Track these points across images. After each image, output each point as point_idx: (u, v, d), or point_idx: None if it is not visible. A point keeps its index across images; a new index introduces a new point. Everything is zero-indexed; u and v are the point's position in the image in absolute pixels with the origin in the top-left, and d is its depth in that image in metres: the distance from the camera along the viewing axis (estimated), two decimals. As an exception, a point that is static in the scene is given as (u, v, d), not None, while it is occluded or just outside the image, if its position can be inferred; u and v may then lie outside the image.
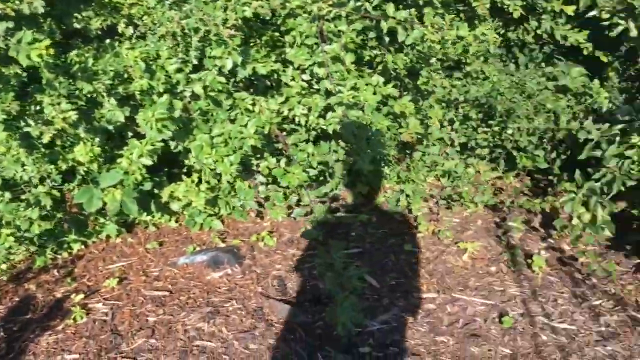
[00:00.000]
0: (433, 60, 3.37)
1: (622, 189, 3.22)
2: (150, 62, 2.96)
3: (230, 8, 2.70)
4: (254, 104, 3.04)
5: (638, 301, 3.19)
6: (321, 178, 3.83)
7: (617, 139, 3.21)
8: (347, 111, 2.82)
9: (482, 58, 3.75)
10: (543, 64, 3.95)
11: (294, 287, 3.18)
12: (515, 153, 3.85)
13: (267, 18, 3.06)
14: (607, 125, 3.25)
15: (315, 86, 3.21)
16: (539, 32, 3.83)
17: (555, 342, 2.88)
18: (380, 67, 3.57)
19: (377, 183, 3.97)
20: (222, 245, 3.45)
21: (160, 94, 2.94)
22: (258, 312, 2.95)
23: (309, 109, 3.04)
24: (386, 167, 3.93)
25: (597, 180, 3.27)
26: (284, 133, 3.22)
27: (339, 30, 2.90)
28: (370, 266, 3.40)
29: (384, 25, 2.87)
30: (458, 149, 4.12)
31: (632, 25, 3.29)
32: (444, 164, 3.89)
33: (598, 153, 3.29)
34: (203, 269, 3.24)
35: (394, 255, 3.50)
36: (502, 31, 3.96)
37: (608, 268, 3.30)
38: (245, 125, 2.83)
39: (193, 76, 2.97)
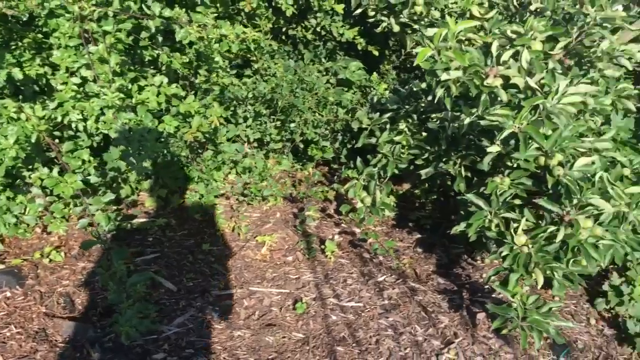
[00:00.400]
0: (217, 58, 3.38)
1: (396, 171, 3.51)
2: None
3: (-26, 9, 2.47)
4: (18, 112, 2.81)
5: (416, 272, 3.51)
6: (115, 184, 3.69)
7: (388, 126, 3.49)
8: (118, 114, 2.73)
9: (267, 55, 3.85)
10: (324, 60, 4.16)
11: (83, 302, 3.02)
12: (303, 145, 4.02)
13: (25, 19, 2.84)
14: (377, 114, 3.52)
15: (96, 90, 3.06)
16: (318, 29, 4.02)
17: (344, 321, 3.06)
18: (164, 68, 3.51)
19: (176, 185, 3.91)
20: (1, 267, 3.17)
21: None
22: (40, 334, 2.75)
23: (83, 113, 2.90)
24: (185, 168, 3.88)
25: (374, 166, 3.52)
26: (57, 140, 3.03)
27: (104, 31, 2.79)
28: (167, 270, 3.34)
29: (151, 24, 2.82)
30: (255, 144, 4.21)
31: (393, 21, 3.59)
32: (243, 160, 3.94)
33: (373, 140, 3.55)
34: (-23, 295, 2.96)
35: (192, 256, 3.47)
36: (285, 29, 4.10)
37: (387, 246, 3.57)
38: (6, 136, 2.61)
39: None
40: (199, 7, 3.18)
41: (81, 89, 2.87)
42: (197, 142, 3.70)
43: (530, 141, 2.60)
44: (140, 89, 3.18)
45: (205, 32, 2.76)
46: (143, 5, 3.10)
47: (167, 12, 2.84)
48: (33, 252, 3.31)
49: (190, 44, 3.23)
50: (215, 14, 3.39)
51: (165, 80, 3.28)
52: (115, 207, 3.81)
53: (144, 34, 3.02)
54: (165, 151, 3.72)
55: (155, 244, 3.55)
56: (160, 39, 3.11)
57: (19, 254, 3.30)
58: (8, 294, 2.99)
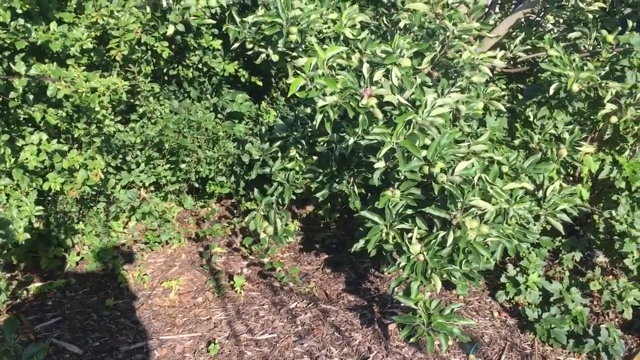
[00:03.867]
0: (97, 108, 3.30)
1: (294, 197, 3.56)
2: None
3: None
4: None
5: (327, 293, 3.56)
6: (5, 251, 3.50)
7: (279, 154, 3.53)
8: (-9, 181, 2.60)
9: (151, 98, 3.80)
10: (209, 96, 4.17)
11: (-21, 382, 2.82)
12: (198, 184, 4.00)
13: None
14: (267, 144, 3.56)
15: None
16: (200, 66, 4.02)
17: (259, 355, 3.05)
18: (42, 124, 3.38)
19: (72, 242, 3.76)
20: None
21: None
22: None
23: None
24: (80, 224, 3.74)
25: (272, 195, 3.55)
26: None
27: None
28: (71, 333, 3.20)
29: (18, 84, 2.72)
30: (152, 188, 4.13)
31: (271, 52, 3.65)
32: (141, 206, 3.85)
33: (267, 170, 3.58)
34: None
35: (96, 314, 3.34)
36: (166, 69, 4.07)
37: (292, 272, 3.61)
38: None
39: None
40: (69, 59, 3.11)
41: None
42: (88, 196, 3.58)
43: (409, 154, 2.72)
44: (19, 149, 3.05)
45: (75, 86, 2.70)
46: (10, 64, 2.99)
47: (33, 71, 2.75)
48: None
49: (67, 97, 3.14)
50: (89, 63, 3.33)
51: (45, 137, 3.16)
52: (8, 274, 3.60)
53: (12, 94, 2.91)
54: (55, 209, 3.59)
55: (56, 307, 3.39)
56: (31, 97, 3.00)
57: None
58: None
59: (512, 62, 4.22)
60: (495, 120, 3.63)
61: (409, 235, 2.88)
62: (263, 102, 4.30)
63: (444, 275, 2.85)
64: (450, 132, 2.90)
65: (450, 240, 2.73)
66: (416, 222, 2.95)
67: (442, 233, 2.80)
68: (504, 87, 4.27)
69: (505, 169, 3.28)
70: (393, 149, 2.68)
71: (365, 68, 2.85)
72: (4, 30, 2.90)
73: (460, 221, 2.75)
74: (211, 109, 4.03)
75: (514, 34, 4.43)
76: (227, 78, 4.37)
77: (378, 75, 2.89)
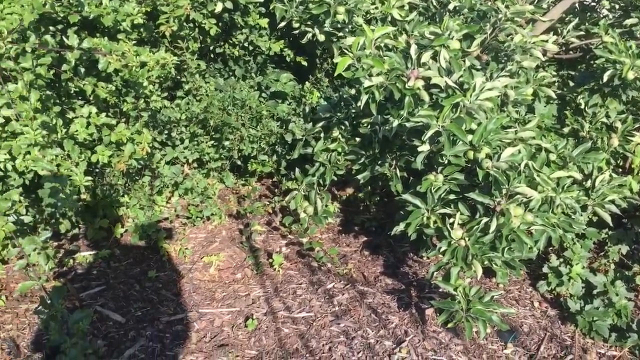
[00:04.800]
0: (145, 83, 3.36)
1: (335, 178, 3.56)
2: None
3: None
4: (-60, 158, 2.73)
5: (365, 275, 3.56)
6: (53, 220, 3.61)
7: (322, 135, 3.53)
8: (43, 151, 2.68)
9: (197, 75, 3.84)
10: (254, 74, 4.18)
11: (28, 345, 2.94)
12: (241, 162, 4.03)
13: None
14: (310, 124, 3.56)
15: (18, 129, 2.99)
16: (246, 44, 4.04)
17: (296, 332, 3.08)
18: (92, 98, 3.46)
19: (117, 214, 3.85)
20: (-62, 319, 3.06)
21: None
22: (-16, 384, 2.68)
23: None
24: (125, 197, 3.83)
25: (313, 175, 3.56)
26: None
27: (23, 68, 2.74)
28: (114, 301, 3.29)
29: (70, 57, 2.79)
30: (195, 165, 4.19)
31: (317, 31, 3.64)
32: (184, 182, 3.91)
33: (309, 150, 3.59)
34: None
35: (138, 284, 3.43)
36: (212, 47, 4.10)
37: (330, 253, 3.61)
38: None
39: None
40: (120, 34, 3.16)
41: (6, 128, 2.80)
42: (134, 169, 3.65)
43: (454, 138, 2.68)
44: (69, 121, 3.13)
45: (125, 60, 2.74)
46: (63, 37, 3.06)
47: (85, 44, 2.81)
48: (-28, 299, 3.21)
49: (116, 71, 3.19)
50: (138, 39, 3.37)
51: (94, 110, 3.23)
52: (56, 243, 3.72)
53: (65, 67, 2.97)
54: (102, 181, 3.68)
55: (100, 276, 3.49)
56: (82, 70, 3.06)
57: (-43, 303, 3.20)
58: (-53, 345, 2.89)
59: (564, 48, 4.10)
60: (545, 107, 3.54)
61: (451, 220, 2.85)
62: (307, 82, 4.29)
63: (485, 262, 2.82)
64: (498, 118, 2.85)
65: (493, 226, 2.69)
66: (459, 208, 2.91)
67: (485, 219, 2.76)
68: (554, 73, 4.16)
69: (553, 157, 3.20)
70: (438, 132, 2.64)
71: (413, 49, 2.81)
72: (58, 4, 2.96)
73: (505, 208, 2.70)
74: (255, 88, 4.04)
75: (567, 18, 4.30)
76: (272, 57, 4.37)
77: (426, 57, 2.85)
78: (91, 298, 3.31)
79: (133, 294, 3.35)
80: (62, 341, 2.51)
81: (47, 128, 2.74)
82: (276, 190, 4.45)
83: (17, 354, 2.88)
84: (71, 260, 3.58)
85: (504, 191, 2.72)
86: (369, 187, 4.23)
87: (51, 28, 3.16)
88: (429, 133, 2.59)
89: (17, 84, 2.73)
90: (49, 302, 2.59)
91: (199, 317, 3.20)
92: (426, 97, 2.73)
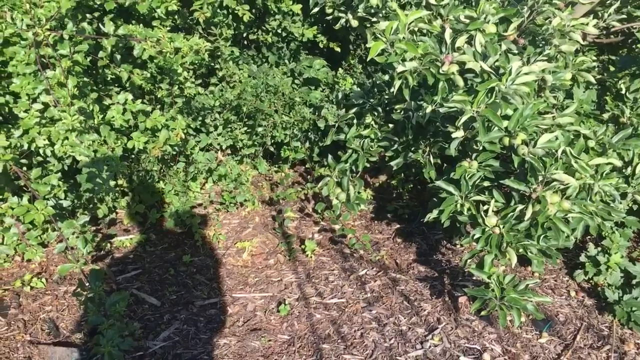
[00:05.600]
0: (180, 70, 3.39)
1: (368, 165, 3.54)
2: None
3: None
4: (-18, 144, 2.81)
5: (397, 262, 3.55)
6: (91, 205, 3.69)
7: (354, 121, 3.51)
8: (80, 136, 2.73)
9: (231, 62, 3.86)
10: (287, 61, 4.18)
11: (67, 326, 3.02)
12: (274, 148, 4.04)
13: (-22, 50, 2.83)
14: (343, 110, 3.54)
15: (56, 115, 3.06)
16: (279, 31, 4.04)
17: (328, 318, 3.09)
18: (128, 84, 3.51)
19: (153, 200, 3.91)
20: (-17, 299, 3.17)
21: None
22: (26, 362, 2.76)
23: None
24: (160, 182, 3.89)
25: (345, 162, 3.55)
26: (25, 168, 3.03)
27: (61, 55, 2.79)
28: (150, 285, 3.35)
29: (106, 43, 2.83)
30: (229, 151, 4.23)
31: (351, 17, 3.61)
32: (218, 168, 3.95)
33: (342, 136, 3.58)
34: (-41, 330, 2.96)
35: (173, 269, 3.48)
36: (246, 34, 4.11)
37: (363, 240, 3.60)
38: (-30, 169, 2.61)
39: None
40: (155, 21, 3.19)
41: (44, 114, 2.87)
42: (168, 156, 3.70)
43: (489, 123, 2.64)
44: (106, 108, 3.19)
45: (160, 46, 2.77)
46: (100, 25, 3.11)
47: (121, 31, 2.85)
48: (14, 281, 3.30)
49: (151, 58, 3.24)
50: (173, 26, 3.40)
51: (130, 97, 3.28)
52: (94, 228, 3.81)
53: (101, 54, 3.02)
54: (138, 167, 3.74)
55: (136, 260, 3.56)
56: (118, 57, 3.11)
57: (0, 285, 3.30)
58: (-9, 325, 2.99)
59: (604, 32, 3.97)
60: (584, 92, 3.45)
61: (485, 207, 2.81)
62: (340, 68, 4.27)
63: (520, 250, 2.78)
64: (534, 103, 2.79)
65: (528, 214, 2.64)
66: (493, 195, 2.87)
67: (520, 206, 2.71)
68: (594, 58, 4.05)
69: (591, 143, 3.11)
70: (473, 118, 2.60)
71: (448, 34, 2.76)
72: (94, -8, 3.01)
73: (541, 195, 2.65)
74: (288, 74, 4.04)
75: (608, 1, 4.16)
76: (305, 44, 4.36)
77: (461, 41, 2.80)
78: (127, 281, 3.38)
79: (168, 278, 3.41)
80: (99, 322, 2.57)
81: (85, 114, 2.79)
82: (309, 176, 4.46)
83: (57, 335, 2.96)
84: (108, 244, 3.66)
85: (540, 178, 2.66)
86: (402, 174, 4.20)
87: (88, 15, 3.22)
88: (463, 119, 2.56)
89: (55, 70, 2.79)
90: (87, 284, 2.66)
91: (232, 301, 3.23)
92: (460, 82, 2.69)
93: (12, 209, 2.82)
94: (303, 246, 3.65)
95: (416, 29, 2.83)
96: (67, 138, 2.91)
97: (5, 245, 3.21)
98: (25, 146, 3.00)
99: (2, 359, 2.77)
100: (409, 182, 4.27)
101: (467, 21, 2.93)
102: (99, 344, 2.54)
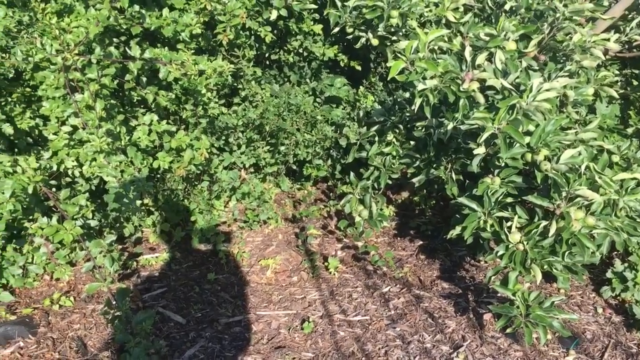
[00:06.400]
0: (204, 91, 3.46)
1: (389, 182, 3.56)
2: None
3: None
4: (14, 165, 2.90)
5: (421, 279, 3.54)
6: (117, 224, 3.76)
7: (376, 139, 3.54)
8: (108, 157, 2.80)
9: (253, 82, 3.92)
10: (309, 80, 4.23)
11: (95, 344, 3.07)
12: (297, 166, 4.08)
13: (11, 75, 2.93)
14: (365, 128, 3.57)
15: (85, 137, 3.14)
16: (300, 50, 4.09)
17: (352, 335, 3.09)
18: (153, 106, 3.59)
19: (177, 218, 3.97)
20: (13, 317, 3.23)
21: None
22: (55, 380, 2.81)
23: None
24: (185, 201, 3.95)
25: (367, 179, 3.57)
26: (54, 189, 3.10)
27: (89, 78, 2.87)
28: (175, 303, 3.39)
29: (133, 67, 2.90)
30: (252, 170, 4.28)
31: (371, 36, 3.65)
32: (241, 186, 3.99)
33: (364, 154, 3.60)
34: (-9, 348, 3.02)
35: (198, 287, 3.52)
36: (268, 54, 4.18)
37: (386, 257, 3.61)
38: (2, 191, 2.69)
39: (-64, 148, 2.76)
40: (179, 44, 3.27)
41: (73, 136, 2.95)
42: (192, 175, 3.76)
43: (511, 140, 2.64)
44: (132, 129, 3.27)
45: (185, 68, 2.84)
46: (126, 49, 3.20)
47: (147, 54, 2.92)
48: (43, 299, 3.37)
49: (176, 80, 3.31)
50: (197, 48, 3.48)
51: (156, 118, 3.35)
52: (120, 246, 3.87)
53: (128, 77, 3.11)
54: (162, 187, 3.80)
55: (162, 279, 3.61)
56: (144, 79, 3.19)
57: (29, 303, 3.37)
58: (21, 344, 3.05)
59: (626, 46, 3.95)
60: (607, 107, 3.44)
61: (508, 223, 2.80)
62: (361, 86, 4.31)
63: (545, 267, 2.76)
64: (557, 119, 2.78)
65: (552, 230, 2.63)
66: (516, 211, 2.86)
67: (544, 223, 2.70)
68: (617, 72, 4.03)
69: (615, 158, 3.10)
70: (494, 135, 2.61)
71: (468, 51, 2.78)
72: (121, 16, 3.09)
73: (565, 211, 2.64)
74: (310, 93, 4.09)
75: (630, 16, 4.15)
76: (326, 62, 4.42)
77: (481, 58, 2.82)
78: (153, 299, 3.43)
79: (193, 296, 3.45)
80: (126, 340, 2.61)
81: (112, 136, 2.86)
82: (331, 194, 4.48)
83: (85, 353, 3.01)
84: (134, 263, 3.71)
85: (563, 194, 2.65)
86: (424, 191, 4.21)
87: (115, 40, 3.31)
88: (485, 135, 2.56)
89: (83, 94, 2.87)
90: (114, 303, 2.71)
91: (257, 319, 3.26)
92: (481, 99, 2.70)
93: (42, 229, 2.89)
94: (326, 263, 3.66)
95: (436, 47, 2.85)
96: (95, 159, 2.98)
97: (35, 264, 3.29)
98: (55, 167, 3.09)
99: (32, 376, 2.83)
100: (432, 198, 4.27)
101: (487, 38, 2.95)
102: (126, 362, 2.58)
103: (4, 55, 2.78)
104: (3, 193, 2.69)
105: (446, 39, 2.99)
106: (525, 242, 2.73)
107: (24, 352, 3.00)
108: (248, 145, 4.00)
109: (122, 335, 2.61)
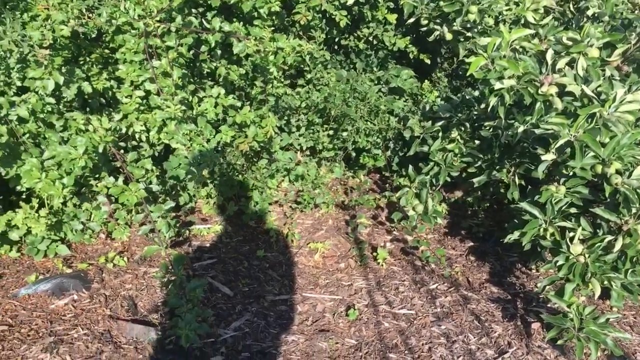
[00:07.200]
0: (273, 69, 3.48)
1: (448, 179, 3.52)
2: (-32, 87, 2.82)
3: (48, 28, 2.63)
4: (86, 124, 2.98)
5: (469, 280, 3.50)
6: (174, 192, 3.84)
7: (440, 134, 3.50)
8: (179, 125, 2.85)
9: (320, 65, 3.92)
10: (375, 69, 4.21)
11: (145, 305, 3.14)
12: (355, 154, 4.07)
13: (93, 36, 3.01)
14: (429, 122, 3.54)
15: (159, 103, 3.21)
16: (370, 38, 4.07)
17: (396, 328, 3.09)
18: (222, 80, 3.63)
19: (231, 193, 4.02)
20: (69, 271, 3.34)
21: (-19, 119, 2.81)
22: (106, 336, 2.89)
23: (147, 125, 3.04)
24: (240, 176, 3.99)
25: (426, 174, 3.54)
26: (122, 151, 3.18)
27: (167, 46, 2.92)
28: (224, 275, 3.44)
29: (211, 39, 2.94)
30: (307, 153, 4.29)
31: (446, 30, 3.60)
32: (296, 168, 4.01)
33: (425, 148, 3.57)
34: (47, 298, 3.12)
35: (247, 262, 3.57)
36: (337, 39, 4.17)
37: (438, 254, 3.58)
38: (76, 147, 2.77)
39: (16, 99, 2.85)
40: (256, 20, 3.29)
41: (144, 101, 3.01)
42: (251, 151, 3.80)
43: (586, 149, 2.58)
44: (199, 100, 3.31)
45: (262, 45, 2.86)
46: (203, 20, 3.24)
47: (226, 27, 2.95)
48: (98, 257, 3.47)
49: (247, 56, 3.34)
50: (271, 26, 3.50)
51: (223, 91, 3.39)
52: (173, 214, 3.94)
53: (203, 48, 3.14)
54: (222, 160, 3.85)
55: (212, 250, 3.67)
56: (219, 52, 3.23)
57: (85, 259, 3.47)
58: (75, 296, 3.15)
59: None
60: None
61: (571, 234, 2.75)
62: (426, 80, 4.26)
63: (604, 282, 2.69)
64: (633, 133, 2.70)
65: (617, 246, 2.57)
66: (580, 222, 2.80)
67: (608, 237, 2.64)
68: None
69: (689, 180, 2.98)
70: (569, 142, 2.55)
71: (550, 54, 2.72)
72: (203, -12, 3.14)
73: (632, 228, 2.57)
74: (375, 82, 4.07)
75: None
76: (394, 53, 4.39)
77: (562, 63, 2.76)
78: (203, 269, 3.48)
79: (241, 270, 3.50)
80: (178, 305, 2.67)
81: (185, 104, 2.91)
82: (384, 185, 4.46)
83: (135, 312, 3.09)
84: (187, 232, 3.78)
85: (633, 210, 2.58)
86: (479, 192, 4.15)
87: (193, 10, 3.35)
88: (560, 142, 2.51)
89: (161, 60, 2.92)
90: (170, 267, 2.76)
91: (302, 300, 3.28)
92: (559, 105, 2.64)
93: (108, 188, 2.97)
94: (375, 253, 3.66)
95: (518, 46, 2.80)
96: (165, 125, 3.04)
97: (94, 222, 3.38)
98: (124, 130, 3.16)
99: (84, 329, 2.92)
100: (485, 200, 4.21)
101: (570, 43, 2.87)
102: (177, 326, 2.64)
103: (90, 15, 2.84)
104: (76, 149, 2.76)
105: (529, 39, 2.92)
106: (586, 255, 2.67)
107: (77, 305, 3.10)
108: (308, 128, 4.01)
109: (175, 299, 2.66)
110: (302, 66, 4.05)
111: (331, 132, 3.94)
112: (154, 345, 2.84)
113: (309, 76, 4.00)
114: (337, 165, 4.23)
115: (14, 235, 3.21)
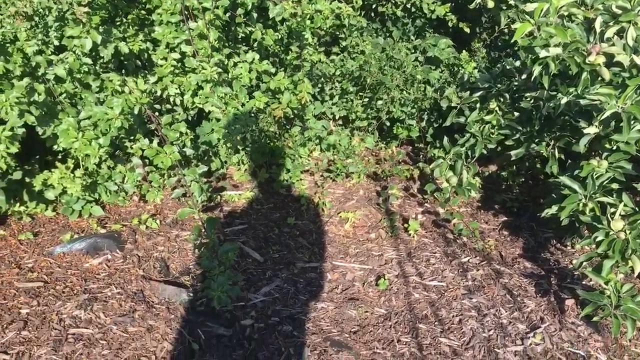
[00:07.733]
0: (308, 35, 3.42)
1: (484, 152, 3.45)
2: (7, 45, 2.83)
3: (85, -15, 2.62)
4: (122, 85, 2.98)
5: (502, 255, 3.45)
6: (206, 157, 3.84)
7: (477, 105, 3.42)
8: (215, 88, 2.82)
9: (355, 32, 3.85)
10: (413, 37, 4.11)
11: (176, 267, 3.17)
12: (389, 124, 4.01)
13: (130, -5, 2.99)
14: (467, 93, 3.45)
15: (195, 65, 3.18)
16: (408, 6, 3.98)
17: (426, 299, 3.06)
18: (256, 45, 3.59)
19: (263, 160, 4.01)
20: (103, 231, 3.38)
21: (19, 78, 2.82)
22: (138, 295, 2.93)
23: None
24: (272, 144, 3.97)
25: (462, 145, 3.47)
26: (157, 113, 3.18)
27: (204, 8, 2.88)
28: (254, 241, 3.45)
29: (248, 1, 2.89)
30: (340, 122, 4.25)
31: (488, -3, 3.49)
32: (328, 137, 3.98)
33: (462, 119, 3.49)
34: (81, 256, 3.17)
35: (277, 228, 3.56)
36: (374, 5, 4.08)
37: (471, 227, 3.52)
38: (112, 107, 2.77)
39: (54, 58, 2.86)
40: (292, -17, 3.23)
41: (179, 64, 2.98)
42: (285, 118, 3.77)
43: (634, 122, 2.49)
44: (234, 65, 3.28)
45: (300, 7, 2.80)
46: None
47: (263, -11, 2.90)
48: (131, 218, 3.50)
49: (282, 21, 3.28)
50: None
51: (257, 56, 3.36)
52: (205, 180, 3.95)
53: (239, 11, 3.10)
54: (254, 126, 3.84)
55: (243, 216, 3.67)
56: (255, 15, 3.18)
57: (118, 220, 3.51)
58: (109, 256, 3.19)
59: None
60: None
61: (612, 210, 2.67)
62: (464, 50, 4.16)
63: (645, 260, 2.62)
64: (683, 107, 2.59)
65: (661, 223, 2.48)
66: (622, 198, 2.71)
67: (652, 214, 2.55)
68: None
69: None
70: (616, 114, 2.46)
71: (599, 22, 2.61)
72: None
73: (678, 205, 2.48)
74: (412, 51, 3.98)
75: None
76: (432, 21, 4.28)
77: (610, 32, 2.65)
78: (234, 234, 3.49)
79: (272, 237, 3.50)
80: (211, 267, 2.67)
81: (220, 67, 2.88)
82: (416, 157, 4.40)
83: (167, 274, 3.12)
84: (218, 197, 3.79)
85: (679, 187, 2.49)
86: (514, 167, 4.06)
87: (229, -28, 3.30)
88: (607, 113, 2.42)
89: (197, 22, 2.89)
90: (202, 231, 2.77)
91: (332, 268, 3.27)
92: (606, 75, 2.54)
93: (143, 150, 2.98)
94: (406, 225, 3.62)
95: (566, 13, 2.69)
96: (200, 88, 3.02)
97: (128, 184, 3.40)
98: (159, 93, 3.15)
99: (117, 288, 2.96)
100: (521, 175, 4.12)
101: (619, 12, 2.75)
102: (209, 288, 2.65)
103: (127, -26, 2.82)
104: (112, 109, 2.76)
105: (578, 5, 2.81)
106: (627, 232, 2.59)
107: (111, 264, 3.14)
108: (341, 96, 3.96)
109: (207, 262, 2.67)
110: (338, 33, 3.98)
111: (365, 101, 3.88)
112: (186, 306, 2.87)
113: (344, 44, 3.93)
114: (369, 135, 4.18)
115: (49, 195, 3.25)
